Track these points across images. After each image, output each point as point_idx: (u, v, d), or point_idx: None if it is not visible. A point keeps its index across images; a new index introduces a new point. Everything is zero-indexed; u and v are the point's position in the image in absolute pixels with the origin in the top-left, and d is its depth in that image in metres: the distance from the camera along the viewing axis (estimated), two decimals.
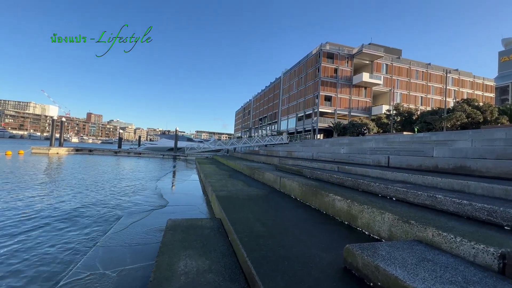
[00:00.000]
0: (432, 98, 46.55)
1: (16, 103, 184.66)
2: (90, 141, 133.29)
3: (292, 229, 2.98)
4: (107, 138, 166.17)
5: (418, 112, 31.18)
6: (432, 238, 2.07)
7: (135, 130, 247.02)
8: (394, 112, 30.87)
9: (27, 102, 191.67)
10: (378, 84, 42.59)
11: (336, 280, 1.83)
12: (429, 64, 48.21)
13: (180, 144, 35.97)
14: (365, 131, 30.12)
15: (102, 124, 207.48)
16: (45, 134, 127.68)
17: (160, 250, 2.60)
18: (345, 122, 37.26)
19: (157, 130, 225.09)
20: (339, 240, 2.61)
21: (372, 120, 33.83)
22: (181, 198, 6.51)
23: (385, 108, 40.12)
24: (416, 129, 24.67)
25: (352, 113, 42.42)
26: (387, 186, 3.67)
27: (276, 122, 57.80)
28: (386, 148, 9.05)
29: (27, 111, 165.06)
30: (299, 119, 47.01)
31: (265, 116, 65.12)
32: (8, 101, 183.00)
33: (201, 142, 42.11)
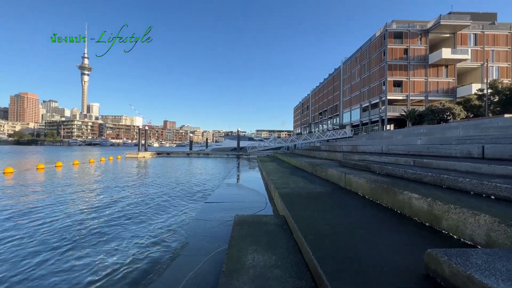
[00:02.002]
0: None
1: (113, 117, 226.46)
2: (167, 145, 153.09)
3: (360, 229, 2.79)
4: (180, 142, 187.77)
5: None
6: None
7: (202, 133, 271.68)
8: (490, 91, 25.21)
9: (120, 116, 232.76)
10: (464, 60, 35.45)
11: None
12: None
13: (242, 143, 37.76)
14: (448, 117, 25.60)
15: (175, 130, 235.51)
16: (134, 141, 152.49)
17: (230, 244, 2.80)
18: (421, 108, 32.47)
19: (221, 131, 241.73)
20: (417, 244, 2.31)
21: (458, 103, 28.50)
22: (246, 195, 6.85)
23: (475, 87, 33.07)
24: None
25: (430, 98, 36.59)
26: (482, 182, 3.05)
27: (337, 115, 54.68)
28: (479, 136, 7.49)
29: (120, 123, 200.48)
30: (364, 109, 43.28)
31: (325, 110, 62.31)
32: (108, 116, 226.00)
33: (261, 140, 43.29)
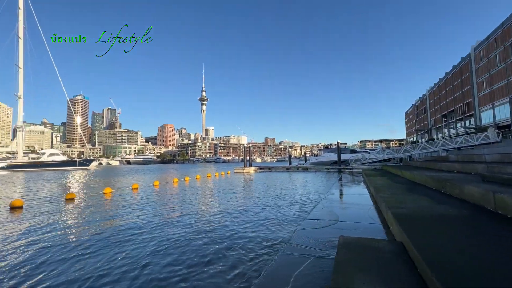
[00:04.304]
0: None
1: (224, 137, 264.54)
2: (268, 160, 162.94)
3: None
4: (280, 157, 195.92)
5: None
6: None
7: (300, 147, 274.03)
8: None
9: (229, 136, 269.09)
10: None
11: None
12: None
13: (344, 156, 35.25)
14: None
15: (275, 145, 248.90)
16: (240, 157, 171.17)
17: (334, 268, 2.54)
18: None
19: (320, 145, 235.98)
20: None
21: None
22: (350, 213, 6.21)
23: None
24: None
25: None
26: None
27: (471, 115, 42.70)
28: None
29: (230, 142, 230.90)
30: None
31: (451, 111, 49.91)
32: (220, 137, 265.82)
33: (366, 152, 38.99)
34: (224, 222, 7.29)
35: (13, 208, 9.66)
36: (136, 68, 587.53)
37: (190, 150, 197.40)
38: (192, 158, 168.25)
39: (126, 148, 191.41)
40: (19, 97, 53.66)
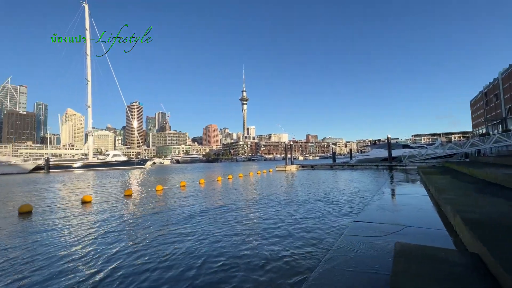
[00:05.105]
0: None
1: (265, 136, 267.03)
2: (311, 157, 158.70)
3: None
4: (323, 154, 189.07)
5: None
6: None
7: (345, 143, 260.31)
8: None
9: (270, 134, 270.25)
10: None
11: None
12: None
13: (395, 152, 32.22)
14: None
15: (317, 142, 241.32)
16: (282, 155, 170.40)
17: (392, 280, 2.21)
18: None
19: (367, 141, 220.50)
20: None
21: None
22: (405, 217, 5.53)
23: None
24: None
25: None
26: None
27: None
28: None
29: (271, 141, 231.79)
30: None
31: None
32: (261, 135, 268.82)
33: (421, 147, 34.95)
34: (256, 222, 7.24)
35: (84, 203, 11.16)
36: (182, 73, 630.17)
37: (233, 149, 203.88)
38: (234, 157, 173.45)
39: (176, 148, 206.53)
40: (89, 106, 62.13)
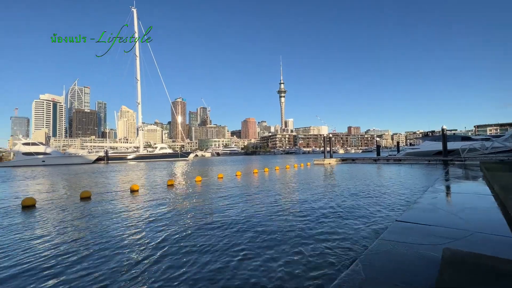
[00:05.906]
0: None
1: (303, 128, 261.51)
2: (353, 151, 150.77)
3: None
4: (366, 147, 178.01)
5: None
6: None
7: (392, 136, 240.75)
8: None
9: (309, 127, 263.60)
10: None
11: None
12: None
13: (452, 145, 28.58)
14: None
15: (360, 135, 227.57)
16: (321, 148, 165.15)
17: None
18: None
19: (417, 132, 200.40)
20: None
21: None
22: (459, 218, 4.83)
23: None
24: None
25: None
26: None
27: None
28: None
29: (309, 133, 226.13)
30: None
31: None
32: (299, 128, 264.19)
33: (485, 139, 30.30)
34: (284, 217, 7.07)
35: (132, 191, 12.39)
36: (221, 68, 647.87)
37: (271, 142, 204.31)
38: (272, 150, 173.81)
39: (216, 141, 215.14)
40: (139, 103, 68.20)
